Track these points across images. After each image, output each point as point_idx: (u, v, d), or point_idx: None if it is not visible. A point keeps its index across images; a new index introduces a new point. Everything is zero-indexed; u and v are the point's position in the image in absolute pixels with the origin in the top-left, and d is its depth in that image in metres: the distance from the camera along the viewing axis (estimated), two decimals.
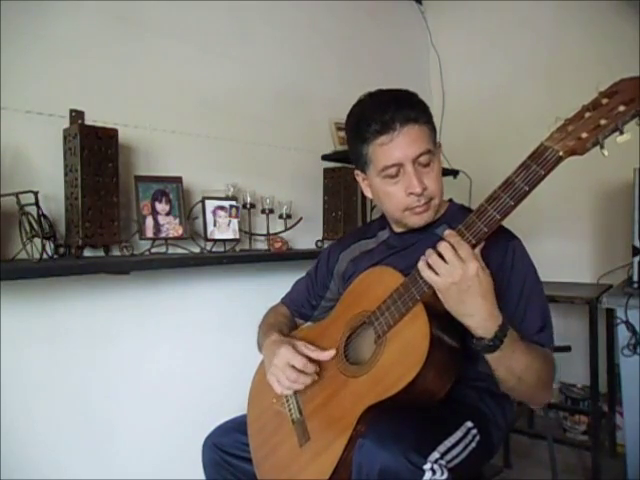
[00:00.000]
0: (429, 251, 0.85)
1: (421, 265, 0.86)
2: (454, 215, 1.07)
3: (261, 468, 1.08)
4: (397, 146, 0.98)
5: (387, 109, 0.98)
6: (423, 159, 0.99)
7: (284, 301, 1.34)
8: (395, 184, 1.01)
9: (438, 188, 1.03)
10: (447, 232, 0.85)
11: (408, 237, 1.10)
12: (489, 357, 0.86)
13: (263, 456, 1.08)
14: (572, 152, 0.77)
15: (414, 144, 0.98)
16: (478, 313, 0.83)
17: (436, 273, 0.83)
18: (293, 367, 0.99)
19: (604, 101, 0.75)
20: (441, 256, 0.83)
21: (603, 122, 0.75)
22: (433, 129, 1.04)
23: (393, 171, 1.00)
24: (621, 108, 0.73)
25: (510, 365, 0.87)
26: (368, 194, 1.13)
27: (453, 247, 0.82)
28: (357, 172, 1.13)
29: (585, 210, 2.44)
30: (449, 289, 0.82)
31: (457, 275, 0.81)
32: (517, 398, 1.01)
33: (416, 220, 1.04)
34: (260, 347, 1.18)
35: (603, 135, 0.75)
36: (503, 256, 0.97)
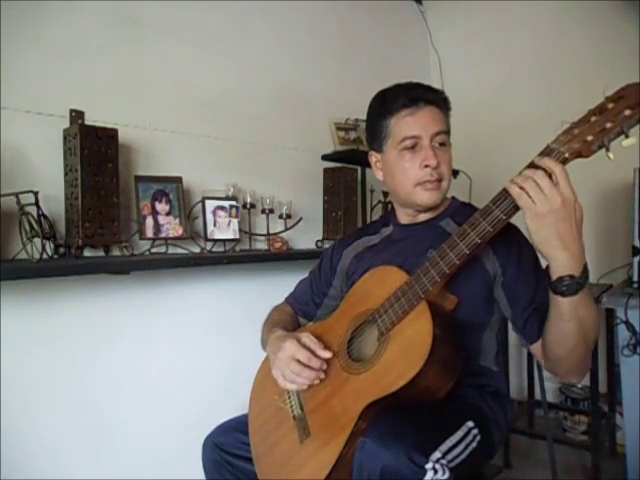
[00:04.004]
0: (524, 177, 0.79)
1: (516, 191, 0.79)
2: (457, 210, 1.12)
3: (261, 464, 1.07)
4: (419, 120, 1.03)
5: (415, 89, 1.06)
6: (440, 138, 1.05)
7: (288, 300, 1.34)
8: (411, 158, 1.05)
9: (448, 173, 1.07)
10: (539, 159, 0.79)
11: (412, 229, 1.13)
12: (570, 301, 0.81)
13: (263, 452, 1.08)
14: (578, 154, 0.79)
15: (435, 122, 1.04)
16: (573, 245, 0.80)
17: (532, 200, 0.78)
18: (297, 361, 0.99)
19: (610, 106, 0.77)
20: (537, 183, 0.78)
21: (609, 125, 0.76)
22: (449, 124, 1.09)
23: (411, 143, 1.04)
24: (627, 112, 0.75)
25: (584, 314, 0.83)
26: (379, 176, 1.17)
27: (548, 174, 0.78)
28: (371, 153, 1.17)
29: (585, 210, 2.35)
30: (545, 217, 0.78)
31: (556, 203, 0.77)
32: (567, 367, 0.91)
33: (426, 197, 1.06)
34: (264, 344, 1.18)
35: (608, 138, 0.77)
36: (508, 239, 0.99)
